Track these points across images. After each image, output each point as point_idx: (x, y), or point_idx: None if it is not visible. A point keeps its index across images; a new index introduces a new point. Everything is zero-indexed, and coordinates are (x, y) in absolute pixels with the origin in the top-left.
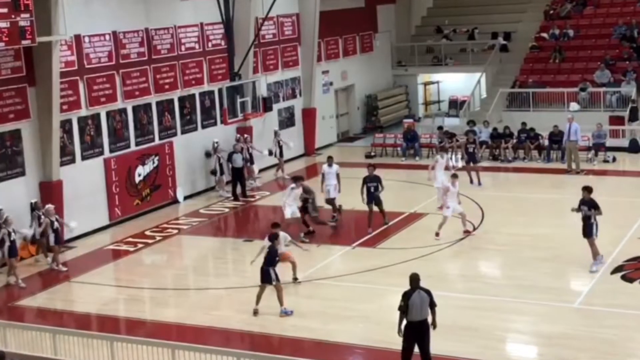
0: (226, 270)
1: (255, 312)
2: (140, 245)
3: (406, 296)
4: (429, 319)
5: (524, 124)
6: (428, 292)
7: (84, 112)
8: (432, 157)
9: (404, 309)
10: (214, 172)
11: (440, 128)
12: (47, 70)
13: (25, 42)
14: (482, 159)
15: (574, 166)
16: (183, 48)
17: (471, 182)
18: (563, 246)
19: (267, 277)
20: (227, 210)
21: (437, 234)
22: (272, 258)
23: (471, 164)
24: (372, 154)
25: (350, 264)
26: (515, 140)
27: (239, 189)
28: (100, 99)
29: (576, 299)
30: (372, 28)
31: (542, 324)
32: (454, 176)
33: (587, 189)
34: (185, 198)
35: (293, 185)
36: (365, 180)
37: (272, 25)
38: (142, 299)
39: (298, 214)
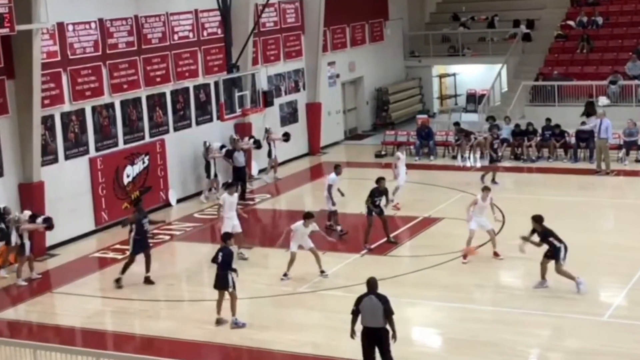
0: None
1: (219, 322)
2: (128, 253)
3: (358, 300)
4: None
5: (548, 120)
6: (382, 299)
7: (67, 107)
8: (449, 156)
9: (355, 313)
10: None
11: (456, 124)
12: (27, 62)
13: (3, 31)
14: (502, 158)
15: (603, 166)
16: (176, 37)
17: (494, 182)
18: (592, 254)
19: (224, 282)
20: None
21: (464, 257)
22: (229, 261)
23: (496, 164)
24: (383, 153)
25: (358, 273)
26: (539, 138)
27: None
28: (85, 92)
29: (606, 311)
30: (383, 15)
31: (569, 339)
32: (486, 189)
33: (535, 219)
34: (178, 201)
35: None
36: (374, 194)
37: (273, 12)
38: (130, 311)
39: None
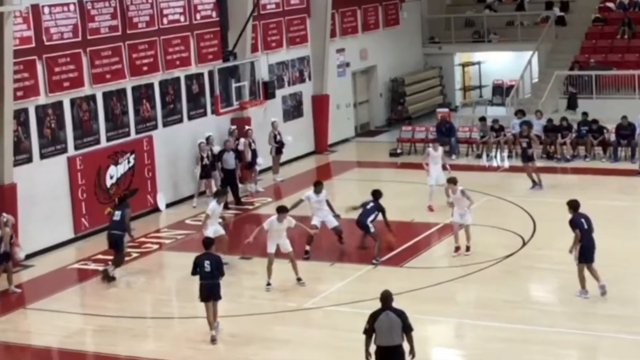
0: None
1: (215, 339)
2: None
3: (372, 318)
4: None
5: (585, 114)
6: (400, 314)
7: (42, 99)
8: (472, 155)
9: (369, 333)
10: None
11: (482, 119)
12: None
13: None
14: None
15: None
16: (165, 21)
17: (535, 184)
18: (632, 264)
19: (218, 292)
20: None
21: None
22: (221, 267)
23: (529, 164)
24: (399, 151)
25: (370, 287)
26: (574, 135)
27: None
28: (63, 83)
29: None
30: None
31: None
32: (450, 182)
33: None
34: (168, 206)
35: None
36: (365, 207)
37: None
38: (114, 329)
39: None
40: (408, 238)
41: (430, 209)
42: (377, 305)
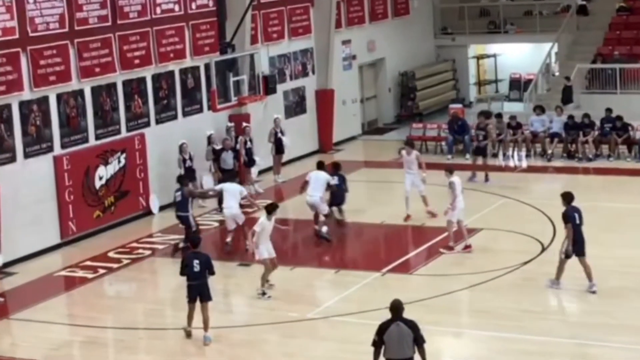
0: (215, 304)
1: (190, 334)
2: (101, 271)
3: (381, 329)
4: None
5: (609, 110)
6: (412, 325)
7: (27, 94)
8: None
9: (378, 345)
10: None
11: (498, 116)
12: None
13: None
14: (553, 157)
15: None
16: (158, 10)
17: (473, 176)
18: None
19: (208, 292)
20: (215, 224)
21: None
22: (210, 267)
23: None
24: None
25: (378, 296)
26: (597, 133)
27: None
28: (49, 77)
29: None
30: None
31: None
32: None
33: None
34: (161, 208)
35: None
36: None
37: None
38: (104, 341)
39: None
40: (418, 243)
41: (407, 218)
42: (387, 315)
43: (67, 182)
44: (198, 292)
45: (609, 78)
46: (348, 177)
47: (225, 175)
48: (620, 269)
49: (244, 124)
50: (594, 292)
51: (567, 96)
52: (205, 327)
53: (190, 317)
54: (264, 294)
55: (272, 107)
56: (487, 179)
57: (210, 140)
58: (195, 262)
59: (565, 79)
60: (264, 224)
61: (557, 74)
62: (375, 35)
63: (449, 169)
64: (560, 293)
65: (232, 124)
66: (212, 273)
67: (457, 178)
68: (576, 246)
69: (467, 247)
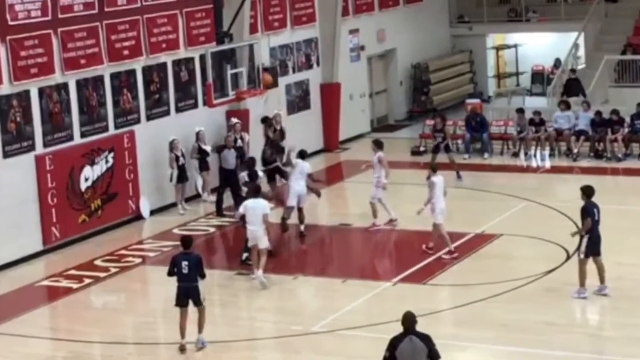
0: (211, 317)
1: (184, 349)
2: (87, 281)
3: (393, 344)
4: None
5: None
6: (426, 339)
7: (6, 88)
8: (508, 154)
9: None
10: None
11: (520, 111)
12: None
13: None
14: (579, 157)
15: None
16: None
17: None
18: None
19: (197, 295)
20: (211, 230)
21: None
22: (199, 268)
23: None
24: (422, 149)
25: (389, 307)
26: (627, 130)
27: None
28: (31, 69)
29: None
30: None
31: None
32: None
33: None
34: (152, 213)
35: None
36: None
37: None
38: (89, 357)
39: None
40: (433, 250)
41: (372, 226)
42: (398, 328)
43: (50, 184)
44: (187, 295)
45: None
46: (355, 178)
47: (226, 175)
48: None
49: (234, 120)
50: (605, 295)
51: (573, 90)
52: (200, 328)
53: (182, 327)
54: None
55: (273, 103)
56: (459, 177)
57: (198, 137)
58: (184, 263)
59: (571, 71)
60: (246, 207)
61: (583, 66)
62: (386, 24)
63: (433, 167)
64: (587, 304)
65: (237, 120)
66: (202, 276)
67: (439, 178)
68: (593, 245)
69: (429, 248)
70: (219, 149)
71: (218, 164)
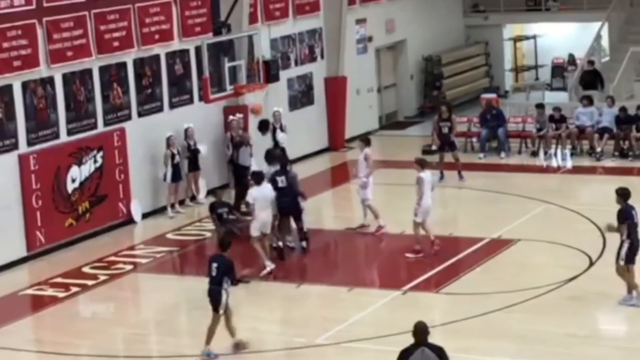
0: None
1: (239, 346)
2: (74, 289)
3: (404, 356)
4: None
5: None
6: (439, 351)
7: None
8: (526, 153)
9: None
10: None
11: (539, 107)
12: None
13: None
14: (602, 155)
15: None
16: None
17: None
18: None
19: (216, 300)
20: (208, 235)
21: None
22: (226, 272)
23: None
24: (434, 147)
25: (399, 318)
26: None
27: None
28: (13, 62)
29: None
30: None
31: None
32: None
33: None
34: (144, 216)
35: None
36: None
37: None
38: None
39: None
40: (446, 256)
41: (378, 229)
42: (409, 340)
43: (34, 185)
44: (209, 297)
45: None
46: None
47: (241, 174)
48: None
49: (230, 117)
50: (632, 306)
51: (590, 82)
52: (207, 338)
53: (228, 327)
54: None
55: (274, 98)
56: (460, 176)
57: (187, 134)
58: (214, 265)
59: (589, 63)
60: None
61: (607, 58)
62: (395, 14)
63: (421, 162)
64: (610, 314)
65: (242, 116)
66: (233, 283)
67: (427, 174)
68: (632, 252)
69: (418, 251)
70: (236, 145)
71: (228, 159)
